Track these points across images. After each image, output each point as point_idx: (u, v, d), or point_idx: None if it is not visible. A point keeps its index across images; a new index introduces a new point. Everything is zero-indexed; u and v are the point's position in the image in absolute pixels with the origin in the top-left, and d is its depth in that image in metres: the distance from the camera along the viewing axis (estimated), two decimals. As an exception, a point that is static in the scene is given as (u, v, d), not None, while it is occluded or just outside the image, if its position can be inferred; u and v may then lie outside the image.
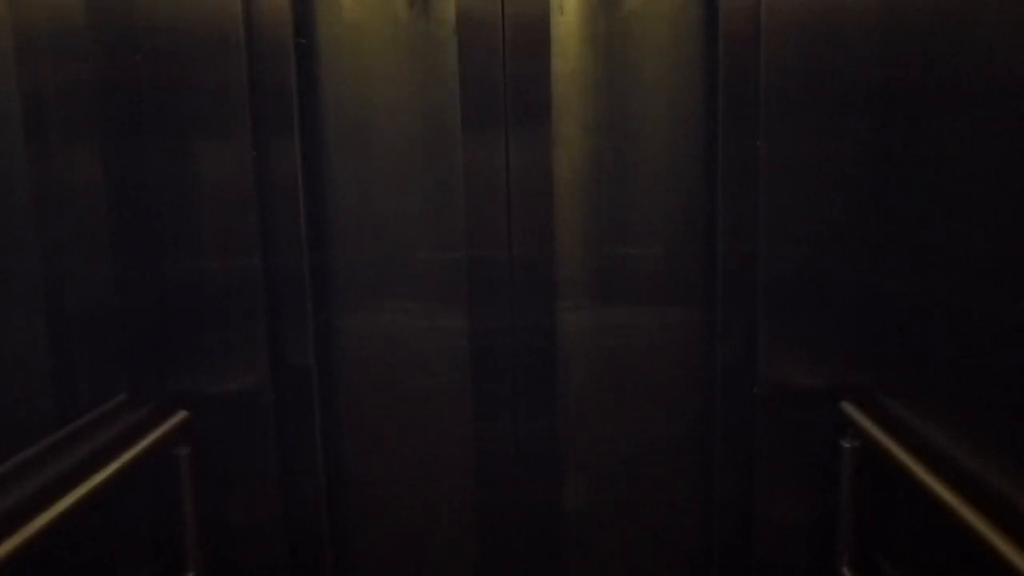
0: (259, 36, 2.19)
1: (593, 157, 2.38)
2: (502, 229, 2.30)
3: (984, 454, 1.61)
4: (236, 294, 2.24)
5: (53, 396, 1.89)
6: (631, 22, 2.31)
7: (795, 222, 2.14)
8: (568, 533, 2.52)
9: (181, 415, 2.21)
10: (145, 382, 2.17)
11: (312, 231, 2.33)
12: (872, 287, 2.09)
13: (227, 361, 2.26)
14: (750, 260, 2.18)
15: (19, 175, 1.90)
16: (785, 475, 2.25)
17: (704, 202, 2.34)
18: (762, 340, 2.20)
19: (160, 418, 2.16)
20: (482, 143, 2.26)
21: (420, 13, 2.34)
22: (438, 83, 2.33)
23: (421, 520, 2.57)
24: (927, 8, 1.81)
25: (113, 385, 2.06)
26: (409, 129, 2.38)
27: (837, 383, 2.17)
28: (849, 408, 2.11)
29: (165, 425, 2.14)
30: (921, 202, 1.85)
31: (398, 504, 2.56)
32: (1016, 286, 1.48)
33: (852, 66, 2.05)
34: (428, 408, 2.50)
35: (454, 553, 2.56)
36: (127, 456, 1.92)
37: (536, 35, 2.22)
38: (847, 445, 2.09)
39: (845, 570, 2.15)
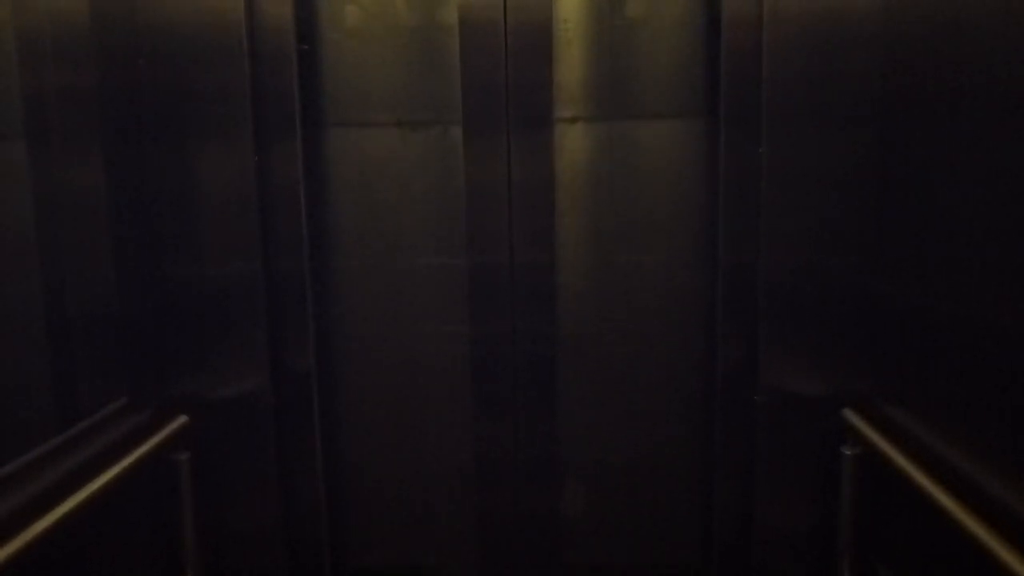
0: (262, 41, 2.20)
1: (595, 164, 2.38)
2: (503, 235, 2.30)
3: (985, 461, 1.61)
4: (237, 298, 2.24)
5: (54, 400, 1.89)
6: (634, 30, 2.32)
7: (796, 229, 2.14)
8: (567, 538, 2.51)
9: (181, 420, 2.21)
10: (145, 386, 2.17)
11: (313, 236, 2.33)
12: (873, 294, 2.09)
13: (227, 365, 2.26)
14: (751, 267, 2.18)
15: (20, 179, 1.91)
16: (785, 481, 2.25)
17: (705, 208, 2.34)
18: (763, 346, 2.20)
19: (160, 423, 2.15)
20: (484, 149, 2.26)
21: (422, 20, 2.34)
22: (440, 89, 2.33)
23: (421, 524, 2.56)
24: (928, 17, 1.82)
25: (114, 389, 2.05)
26: (411, 135, 2.39)
27: (838, 390, 2.17)
28: (850, 415, 2.11)
29: (165, 430, 2.13)
30: (922, 209, 1.86)
31: (398, 508, 2.56)
32: (1017, 293, 1.48)
33: (853, 74, 2.06)
34: (428, 413, 2.50)
35: (454, 557, 2.56)
36: (127, 461, 1.92)
37: (538, 42, 2.23)
38: (848, 452, 2.09)
39: (845, 577, 2.15)
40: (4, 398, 1.99)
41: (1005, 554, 1.43)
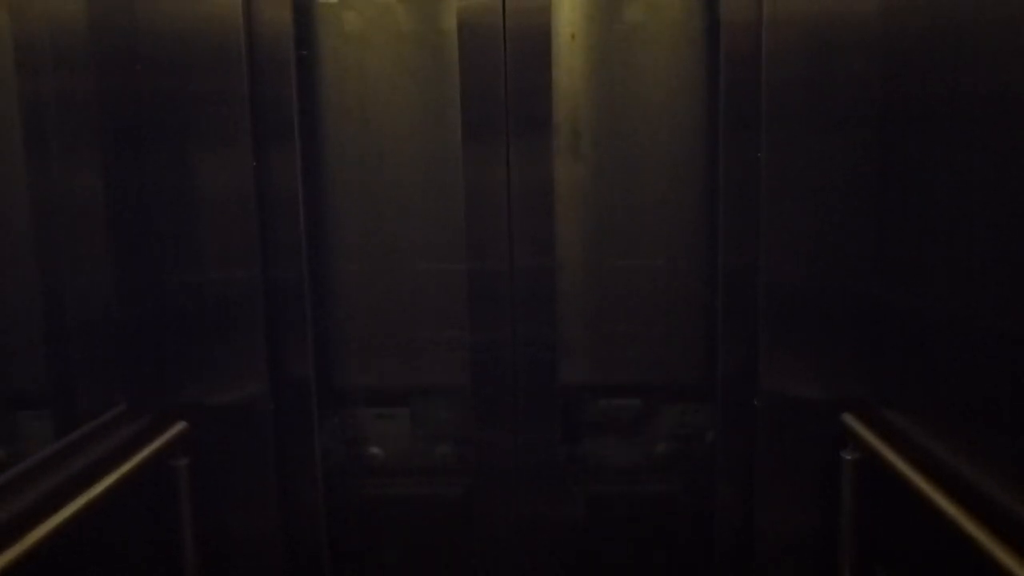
0: (260, 47, 2.20)
1: (594, 169, 2.38)
2: (503, 241, 2.30)
3: (985, 465, 1.60)
4: (236, 305, 2.23)
5: (52, 406, 1.89)
6: (633, 35, 2.33)
7: (796, 234, 2.14)
8: (568, 545, 2.51)
9: (180, 426, 2.20)
10: (144, 393, 2.16)
11: (312, 242, 2.33)
12: (873, 299, 2.09)
13: (226, 372, 2.26)
14: (751, 270, 2.18)
15: (19, 186, 1.91)
16: (786, 487, 2.25)
17: (705, 214, 2.34)
18: (763, 351, 2.20)
19: (159, 429, 2.15)
20: (483, 155, 2.26)
21: (421, 25, 2.35)
22: (439, 95, 2.33)
23: (421, 533, 2.55)
24: (927, 20, 1.82)
25: (112, 396, 2.05)
26: (410, 141, 2.39)
27: (838, 395, 2.17)
28: (850, 420, 2.11)
29: (164, 436, 2.13)
30: (921, 212, 1.86)
31: (398, 516, 2.55)
32: (1016, 298, 1.48)
33: (853, 79, 2.06)
34: (428, 419, 2.49)
35: (454, 566, 2.55)
36: (126, 467, 1.91)
37: (537, 48, 2.23)
38: (848, 457, 2.09)
39: (846, 582, 2.14)
40: (3, 403, 1.99)
41: (1006, 558, 1.43)
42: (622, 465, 2.52)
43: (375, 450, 2.53)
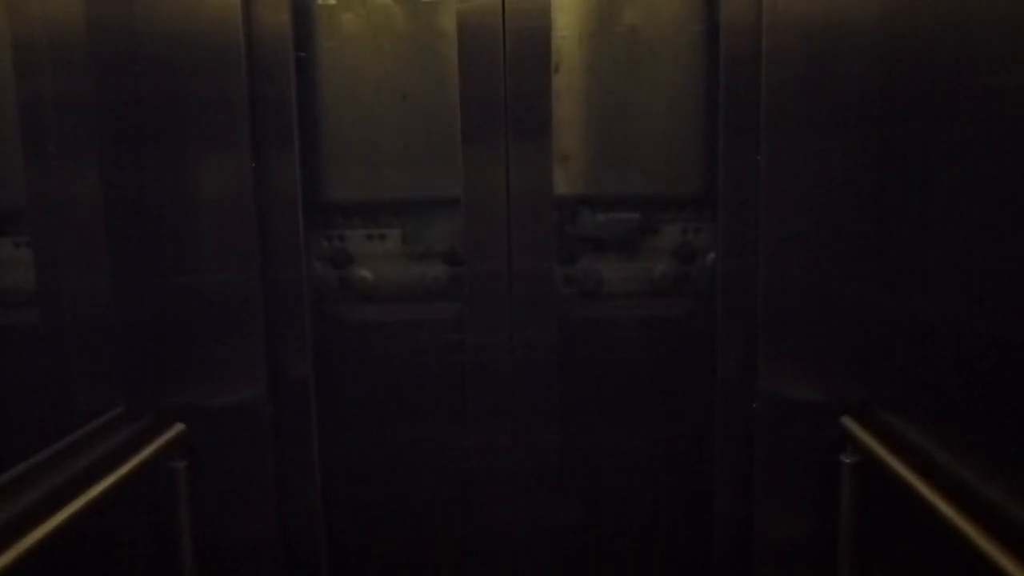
0: (259, 49, 2.20)
1: (593, 171, 2.38)
2: (502, 243, 2.30)
3: (984, 468, 1.60)
4: (235, 307, 2.23)
5: (50, 408, 1.89)
6: (632, 37, 2.32)
7: (795, 235, 2.14)
8: (567, 549, 2.50)
9: (178, 428, 2.20)
10: (143, 395, 2.16)
11: (311, 243, 2.33)
12: (872, 300, 2.09)
13: (225, 374, 2.26)
14: (750, 273, 2.18)
15: (17, 187, 1.91)
16: (785, 490, 2.24)
17: (704, 216, 2.34)
18: (761, 354, 2.19)
19: (157, 431, 2.14)
20: (482, 158, 2.26)
21: (420, 27, 2.35)
22: (439, 97, 2.33)
23: (419, 535, 2.55)
24: (925, 23, 1.82)
25: (111, 398, 2.05)
26: (410, 143, 2.39)
27: (837, 398, 2.16)
28: (849, 423, 2.10)
29: (162, 438, 2.12)
30: (920, 215, 1.86)
31: (396, 518, 2.55)
32: (1016, 302, 1.48)
33: (852, 81, 2.06)
34: (427, 421, 2.49)
35: (453, 568, 2.55)
36: (124, 469, 1.91)
37: (537, 50, 2.23)
38: (847, 460, 2.08)
39: (845, 586, 2.14)
40: (2, 406, 1.98)
41: (1005, 561, 1.42)
42: (620, 286, 2.46)
43: (365, 273, 2.47)
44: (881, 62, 2.01)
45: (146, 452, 2.03)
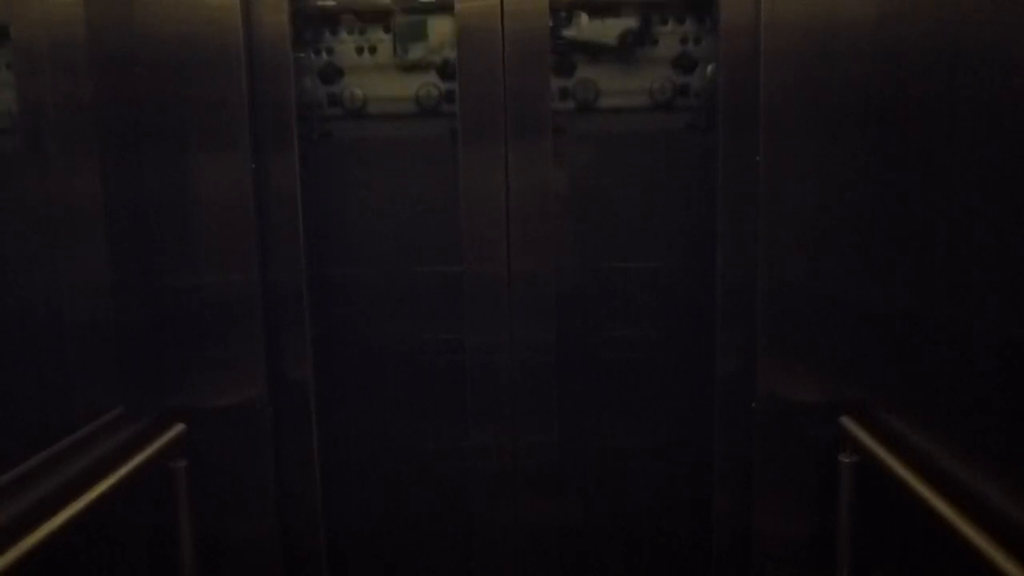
0: (259, 51, 2.20)
1: (592, 172, 2.39)
2: (501, 244, 2.30)
3: (983, 469, 1.61)
4: (234, 308, 2.24)
5: (51, 409, 1.89)
6: (631, 39, 2.33)
7: (794, 236, 2.14)
8: (567, 549, 2.51)
9: (178, 428, 2.20)
10: (143, 395, 2.17)
11: (310, 244, 2.33)
12: (870, 301, 2.10)
13: (225, 375, 2.26)
14: (749, 274, 2.18)
15: (17, 189, 1.91)
16: (784, 490, 2.25)
17: (703, 216, 2.35)
18: (760, 355, 2.20)
19: (157, 431, 2.15)
20: (481, 158, 2.26)
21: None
22: (438, 98, 2.33)
23: (419, 535, 2.56)
24: (924, 25, 1.82)
25: (111, 398, 2.05)
26: (408, 143, 2.39)
27: (836, 398, 2.17)
28: (848, 423, 2.11)
29: (162, 438, 2.13)
30: (918, 216, 1.86)
31: (396, 518, 2.55)
32: (1014, 301, 1.49)
33: (850, 82, 2.06)
34: (426, 422, 2.49)
35: (453, 569, 2.55)
36: (124, 470, 1.91)
37: (535, 51, 2.23)
38: (846, 460, 2.09)
39: (844, 585, 2.14)
40: (2, 407, 1.98)
41: (1004, 562, 1.43)
42: (618, 99, 2.40)
43: (355, 89, 2.40)
44: (879, 62, 2.02)
45: (146, 452, 2.03)
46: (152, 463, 2.05)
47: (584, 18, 2.31)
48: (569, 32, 2.33)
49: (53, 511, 1.68)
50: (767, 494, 2.26)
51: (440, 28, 2.34)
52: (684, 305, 2.44)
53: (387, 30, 2.38)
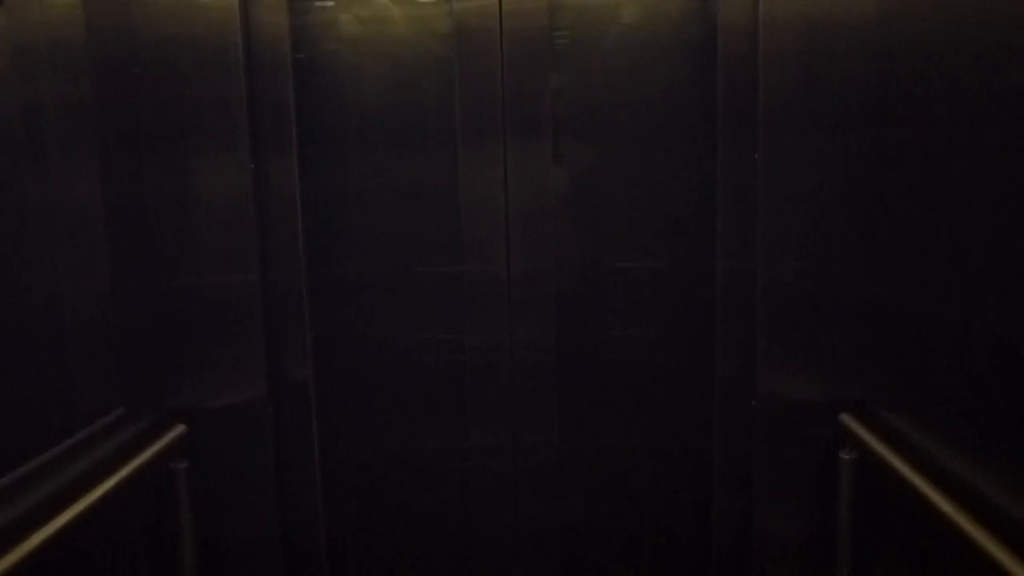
0: (258, 51, 2.20)
1: (592, 172, 2.39)
2: (500, 243, 2.30)
3: (983, 465, 1.61)
4: (234, 308, 2.24)
5: (51, 410, 1.88)
6: (629, 37, 2.33)
7: (793, 236, 2.14)
8: (567, 548, 2.51)
9: (179, 429, 2.20)
10: (143, 396, 2.17)
11: (310, 245, 2.33)
12: (870, 299, 2.10)
13: (225, 375, 2.26)
14: (748, 273, 2.19)
15: (17, 190, 1.90)
16: (784, 488, 2.25)
17: (702, 216, 2.35)
18: (760, 353, 2.20)
19: (158, 432, 2.15)
20: (481, 158, 2.27)
21: (418, 28, 2.35)
22: (437, 98, 2.34)
23: (419, 535, 2.56)
24: (924, 23, 1.83)
25: (111, 399, 2.05)
26: (408, 144, 2.39)
27: (835, 395, 2.17)
28: (848, 420, 2.11)
29: (163, 439, 2.13)
30: (917, 214, 1.87)
31: (397, 519, 2.55)
32: (1013, 299, 1.49)
33: (849, 81, 2.07)
34: (426, 423, 2.49)
35: (453, 569, 2.55)
36: (125, 471, 1.91)
37: (534, 50, 2.23)
38: (846, 457, 2.09)
39: (844, 583, 2.15)
40: (2, 408, 1.98)
41: (1004, 558, 1.43)
42: None
43: None
44: (878, 61, 2.02)
45: (147, 453, 2.03)
46: (153, 464, 2.05)
47: None
48: None
49: (54, 513, 1.67)
50: (767, 492, 2.26)
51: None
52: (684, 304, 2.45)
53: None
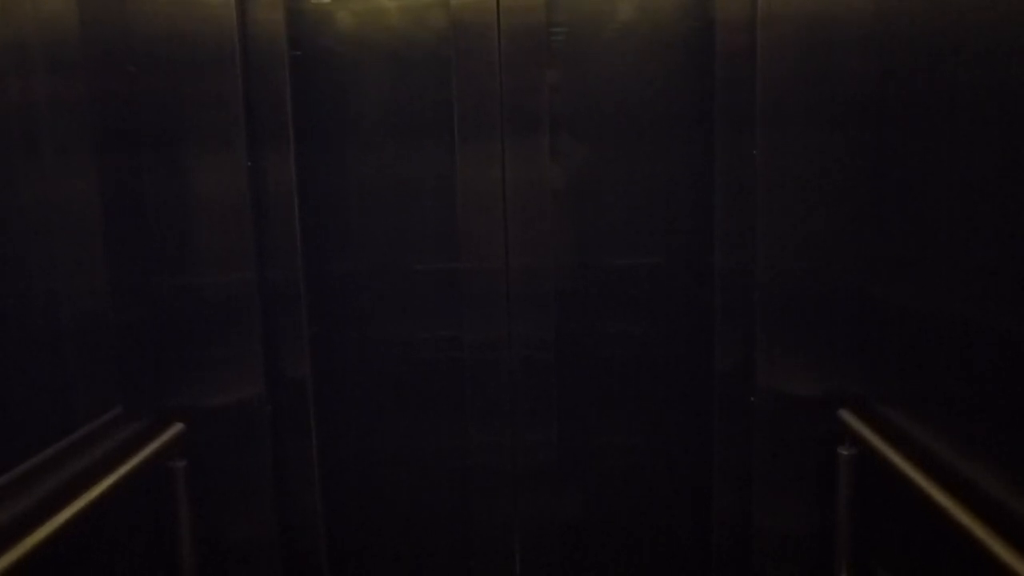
0: (254, 48, 2.20)
1: (590, 168, 2.38)
2: (498, 240, 2.30)
3: (982, 460, 1.61)
4: (232, 307, 2.23)
5: (49, 409, 1.88)
6: (627, 33, 2.32)
7: (792, 232, 2.14)
8: (566, 546, 2.51)
9: (177, 428, 2.20)
10: (141, 395, 2.16)
11: (307, 243, 2.33)
12: (869, 296, 2.10)
13: (223, 374, 2.26)
14: (747, 269, 2.18)
15: (13, 188, 1.90)
16: (783, 484, 2.25)
17: (701, 212, 2.35)
18: (759, 349, 2.20)
19: (156, 431, 2.14)
20: (478, 155, 2.26)
21: (415, 25, 2.34)
22: (434, 95, 2.33)
23: (419, 533, 2.56)
24: (922, 18, 1.82)
25: (109, 398, 2.05)
26: (405, 141, 2.39)
27: (834, 391, 2.17)
28: (847, 416, 2.11)
29: (161, 438, 2.12)
30: (916, 210, 1.86)
31: (395, 517, 2.55)
32: (1012, 295, 1.49)
33: (848, 76, 2.06)
34: (425, 420, 2.49)
35: (453, 568, 2.55)
36: (123, 470, 1.91)
37: (532, 47, 2.23)
38: (845, 453, 2.09)
39: (843, 580, 2.15)
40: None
41: (1004, 553, 1.43)
42: None
43: None
44: (877, 56, 2.01)
45: (145, 452, 2.03)
46: (151, 463, 2.05)
47: None
48: None
49: (53, 511, 1.67)
50: (767, 489, 2.26)
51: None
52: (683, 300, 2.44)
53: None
